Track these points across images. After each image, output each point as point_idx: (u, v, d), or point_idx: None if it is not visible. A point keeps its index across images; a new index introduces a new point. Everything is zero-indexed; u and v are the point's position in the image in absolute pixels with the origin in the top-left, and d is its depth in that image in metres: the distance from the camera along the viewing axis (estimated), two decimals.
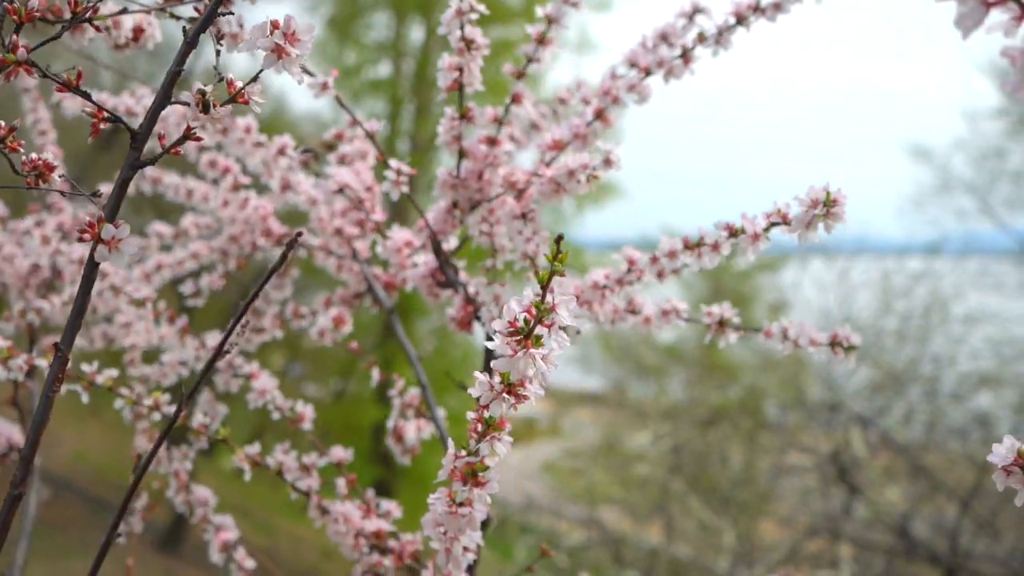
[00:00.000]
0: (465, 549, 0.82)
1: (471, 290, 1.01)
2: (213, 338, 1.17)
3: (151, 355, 1.42)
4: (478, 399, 0.67)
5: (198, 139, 0.59)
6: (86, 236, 0.57)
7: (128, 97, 1.18)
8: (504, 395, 0.65)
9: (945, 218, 8.33)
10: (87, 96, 0.58)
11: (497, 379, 0.65)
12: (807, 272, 8.84)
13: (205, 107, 0.57)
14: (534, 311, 0.61)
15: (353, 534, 1.03)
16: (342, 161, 1.18)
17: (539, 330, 0.62)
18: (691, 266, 0.86)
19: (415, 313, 12.84)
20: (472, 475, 0.75)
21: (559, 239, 0.56)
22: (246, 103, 0.59)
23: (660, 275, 1.01)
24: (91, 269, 0.58)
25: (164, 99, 0.59)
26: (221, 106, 0.58)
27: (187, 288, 1.22)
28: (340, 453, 1.09)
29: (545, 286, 0.59)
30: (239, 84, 0.59)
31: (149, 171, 1.35)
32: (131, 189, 1.39)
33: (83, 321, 1.57)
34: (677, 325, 1.00)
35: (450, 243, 1.05)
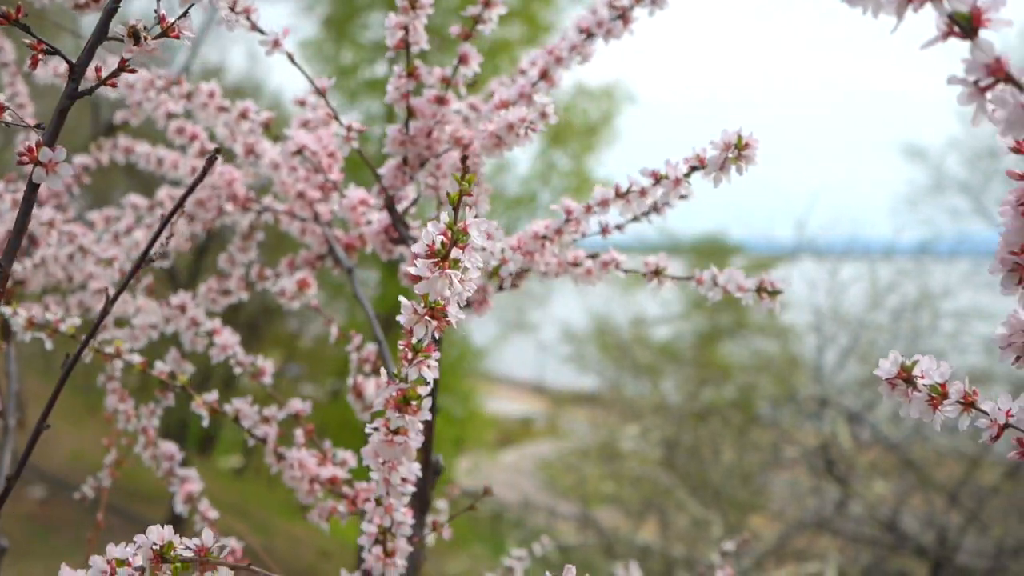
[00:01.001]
0: (403, 480, 0.86)
1: None
2: (176, 297, 1.21)
3: (124, 323, 1.46)
4: (403, 325, 0.71)
5: (132, 70, 0.63)
6: (25, 159, 0.61)
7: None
8: (427, 318, 0.69)
9: (939, 217, 8.38)
10: (26, 28, 0.62)
11: (420, 303, 0.69)
12: (798, 270, 8.90)
13: (136, 38, 0.61)
14: (449, 233, 0.65)
15: (308, 480, 1.07)
16: (305, 126, 1.22)
17: (455, 253, 0.66)
18: (623, 213, 0.90)
19: None
20: (405, 402, 0.78)
21: (464, 158, 0.60)
22: (177, 37, 0.63)
23: (604, 231, 1.05)
24: (31, 192, 0.62)
25: (101, 34, 0.63)
26: (153, 39, 0.62)
27: (154, 249, 1.26)
28: (298, 405, 1.13)
29: (456, 207, 0.63)
30: (170, 19, 0.63)
31: (122, 141, 1.39)
32: (106, 161, 1.42)
33: (60, 289, 1.59)
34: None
35: (403, 204, 1.09)
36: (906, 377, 0.64)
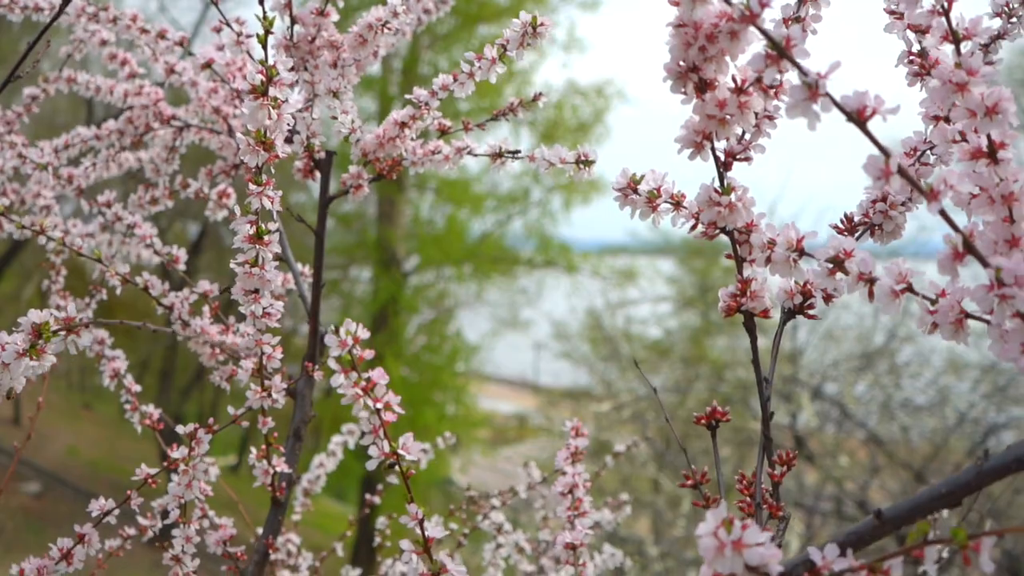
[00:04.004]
0: (265, 312, 1.01)
1: (315, 144, 1.21)
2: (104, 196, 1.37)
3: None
4: (242, 159, 0.87)
5: None
6: None
7: None
8: (258, 149, 0.85)
9: (924, 215, 8.54)
10: None
11: (251, 136, 0.85)
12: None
13: None
14: (266, 72, 0.81)
15: (209, 344, 1.23)
16: (220, 50, 1.39)
17: (272, 91, 0.82)
18: (458, 93, 1.07)
19: (406, 310, 13.03)
20: (258, 236, 0.94)
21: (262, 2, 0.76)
22: None
23: (465, 127, 1.21)
24: None
25: None
26: None
27: (87, 160, 1.43)
28: (206, 286, 1.29)
29: (264, 46, 0.80)
30: None
31: (65, 72, 1.56)
32: (52, 92, 1.58)
33: (12, 210, 1.74)
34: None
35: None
36: (633, 187, 0.80)
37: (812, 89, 0.60)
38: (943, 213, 0.60)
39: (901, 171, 0.60)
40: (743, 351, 9.67)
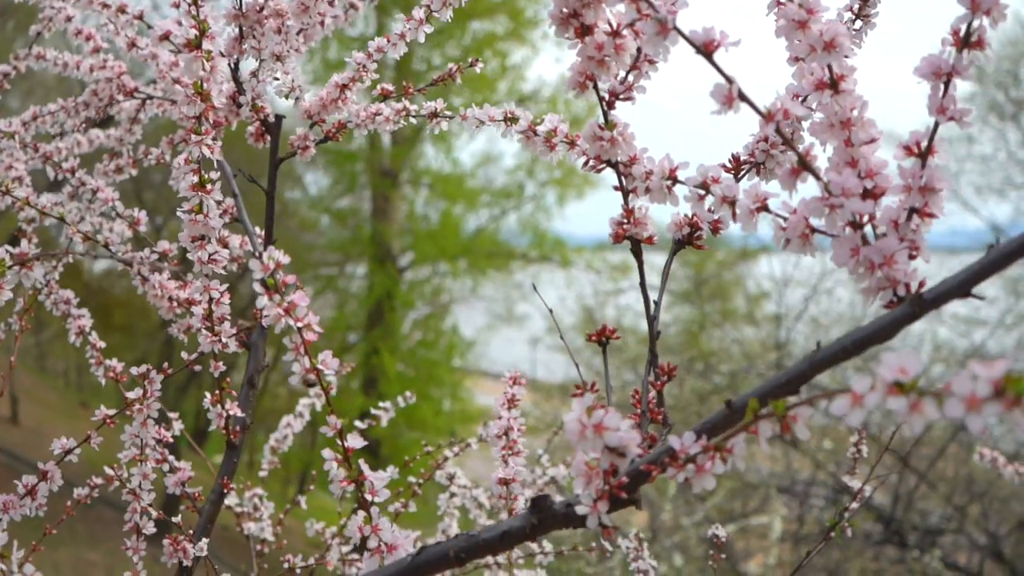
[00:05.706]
0: (212, 259, 1.08)
1: (259, 104, 1.29)
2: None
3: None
4: (183, 112, 0.95)
5: None
6: None
7: None
8: (195, 99, 0.93)
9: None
10: None
11: (191, 89, 0.93)
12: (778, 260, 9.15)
13: None
14: (199, 26, 0.89)
15: (167, 298, 1.31)
16: (180, 24, 1.46)
17: (206, 44, 0.89)
18: (392, 55, 1.14)
19: (401, 306, 13.09)
20: (202, 186, 1.02)
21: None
22: None
23: (407, 92, 1.28)
24: None
25: None
26: None
27: (54, 130, 1.50)
28: (165, 245, 1.37)
29: (197, 5, 0.87)
30: None
31: (34, 49, 1.63)
32: (24, 69, 1.65)
33: None
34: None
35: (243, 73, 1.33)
36: (533, 129, 0.88)
37: (663, 24, 0.68)
38: (779, 132, 0.68)
39: (742, 96, 0.67)
40: (735, 343, 9.78)
